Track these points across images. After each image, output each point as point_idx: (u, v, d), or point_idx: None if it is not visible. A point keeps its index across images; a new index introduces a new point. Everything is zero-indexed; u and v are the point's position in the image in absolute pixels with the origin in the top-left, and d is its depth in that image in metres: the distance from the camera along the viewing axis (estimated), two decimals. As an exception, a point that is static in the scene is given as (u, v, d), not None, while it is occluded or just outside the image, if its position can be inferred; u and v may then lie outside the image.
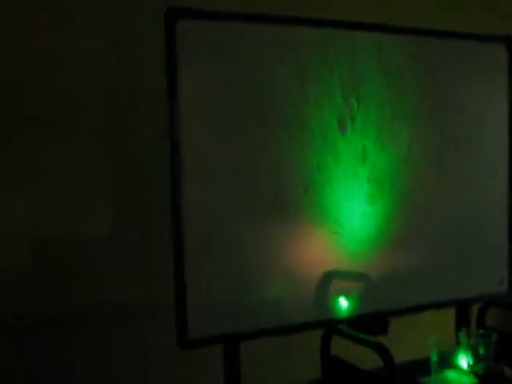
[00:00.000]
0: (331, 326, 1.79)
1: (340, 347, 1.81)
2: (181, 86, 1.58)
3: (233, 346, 1.68)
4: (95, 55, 2.02)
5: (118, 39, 2.06)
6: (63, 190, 2.00)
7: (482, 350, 1.79)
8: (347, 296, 1.83)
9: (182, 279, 1.59)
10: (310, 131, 1.76)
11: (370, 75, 1.85)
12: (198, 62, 1.61)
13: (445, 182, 2.02)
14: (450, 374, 1.75)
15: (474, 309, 2.09)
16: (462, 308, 2.09)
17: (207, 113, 1.63)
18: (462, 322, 2.06)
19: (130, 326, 2.04)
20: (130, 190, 2.09)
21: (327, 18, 1.78)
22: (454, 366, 1.76)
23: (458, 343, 1.82)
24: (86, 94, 2.00)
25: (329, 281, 1.80)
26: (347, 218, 1.83)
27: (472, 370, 1.72)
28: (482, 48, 2.07)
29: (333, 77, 1.80)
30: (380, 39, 1.87)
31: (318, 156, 1.78)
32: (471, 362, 1.77)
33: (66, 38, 1.98)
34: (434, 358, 1.77)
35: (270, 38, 1.70)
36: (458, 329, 2.00)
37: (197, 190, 1.61)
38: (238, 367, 1.68)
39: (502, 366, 1.65)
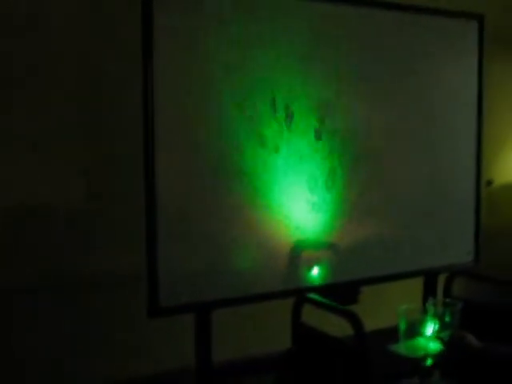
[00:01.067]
0: (302, 294, 1.81)
1: (310, 316, 1.84)
2: (156, 46, 1.55)
3: (204, 315, 1.68)
4: (70, 20, 1.97)
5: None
6: (39, 162, 1.98)
7: (447, 318, 1.84)
8: (318, 265, 1.84)
9: (154, 249, 1.58)
10: (286, 106, 1.75)
11: (346, 48, 1.85)
12: (173, 21, 1.58)
13: (415, 155, 2.04)
14: (418, 341, 1.80)
15: (441, 279, 2.13)
16: (429, 278, 2.14)
17: (181, 86, 1.61)
18: (429, 291, 2.11)
19: (104, 295, 2.04)
20: (105, 163, 2.08)
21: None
22: (422, 334, 1.80)
23: (425, 312, 1.86)
24: (59, 61, 1.96)
25: (300, 250, 1.82)
26: (318, 190, 1.83)
27: (438, 337, 1.77)
28: (456, 24, 2.08)
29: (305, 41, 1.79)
30: (356, 12, 1.87)
31: (289, 123, 1.77)
32: (437, 330, 1.82)
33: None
34: (403, 325, 1.81)
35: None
36: (425, 298, 2.04)
37: (168, 162, 1.59)
38: (209, 336, 1.69)
39: (466, 333, 1.70)
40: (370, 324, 1.70)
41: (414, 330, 1.80)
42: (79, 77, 2.01)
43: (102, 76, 2.03)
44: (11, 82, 1.91)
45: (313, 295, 1.80)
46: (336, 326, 1.68)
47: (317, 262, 1.85)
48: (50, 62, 1.96)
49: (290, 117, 1.77)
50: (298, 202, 1.80)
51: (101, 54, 2.02)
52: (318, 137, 1.83)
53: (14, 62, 1.91)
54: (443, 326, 1.83)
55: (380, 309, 2.15)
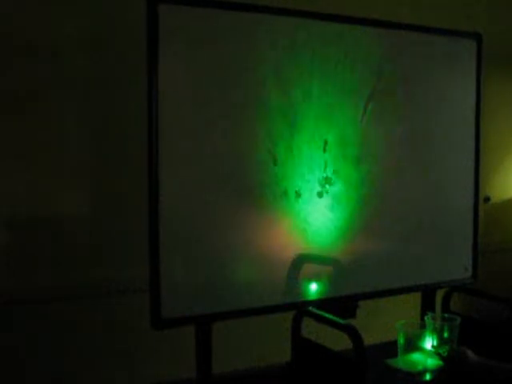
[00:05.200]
0: (302, 308, 1.82)
1: (310, 330, 1.85)
2: (161, 71, 1.57)
3: (205, 327, 1.69)
4: (73, 41, 2.01)
5: (97, 22, 2.05)
6: (41, 170, 2.00)
7: (446, 334, 1.86)
8: (318, 279, 1.86)
9: (157, 261, 1.60)
10: (286, 118, 1.78)
11: (342, 67, 1.87)
12: (178, 47, 1.61)
13: (413, 170, 2.06)
14: (416, 356, 1.81)
15: (439, 294, 2.15)
16: (427, 293, 2.15)
17: (185, 99, 1.63)
18: (427, 306, 2.12)
19: (107, 306, 2.04)
20: (110, 174, 2.10)
21: (306, 9, 1.80)
22: (420, 349, 1.81)
23: (423, 327, 1.87)
24: (64, 79, 2.00)
25: (300, 264, 1.83)
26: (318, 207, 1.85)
27: (436, 352, 1.78)
28: (454, 43, 2.11)
29: (308, 64, 1.81)
30: (355, 31, 1.89)
31: (289, 141, 1.80)
32: (436, 345, 1.83)
33: (42, 21, 1.97)
34: (401, 340, 1.82)
35: (249, 25, 1.71)
36: (423, 313, 2.05)
37: (173, 175, 1.61)
38: (209, 348, 1.70)
39: (465, 348, 1.71)
40: (369, 338, 1.71)
41: (413, 344, 1.82)
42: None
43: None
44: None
45: (312, 309, 1.81)
46: (335, 340, 1.69)
47: (316, 276, 1.86)
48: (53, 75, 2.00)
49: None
50: (298, 217, 1.82)
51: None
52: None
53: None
54: (442, 341, 1.84)
55: (378, 323, 2.16)
